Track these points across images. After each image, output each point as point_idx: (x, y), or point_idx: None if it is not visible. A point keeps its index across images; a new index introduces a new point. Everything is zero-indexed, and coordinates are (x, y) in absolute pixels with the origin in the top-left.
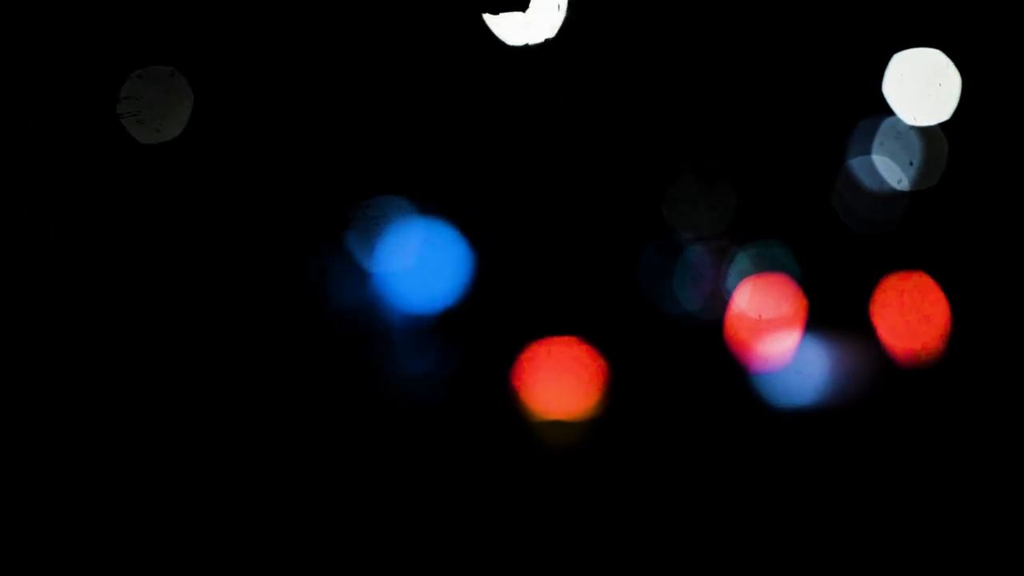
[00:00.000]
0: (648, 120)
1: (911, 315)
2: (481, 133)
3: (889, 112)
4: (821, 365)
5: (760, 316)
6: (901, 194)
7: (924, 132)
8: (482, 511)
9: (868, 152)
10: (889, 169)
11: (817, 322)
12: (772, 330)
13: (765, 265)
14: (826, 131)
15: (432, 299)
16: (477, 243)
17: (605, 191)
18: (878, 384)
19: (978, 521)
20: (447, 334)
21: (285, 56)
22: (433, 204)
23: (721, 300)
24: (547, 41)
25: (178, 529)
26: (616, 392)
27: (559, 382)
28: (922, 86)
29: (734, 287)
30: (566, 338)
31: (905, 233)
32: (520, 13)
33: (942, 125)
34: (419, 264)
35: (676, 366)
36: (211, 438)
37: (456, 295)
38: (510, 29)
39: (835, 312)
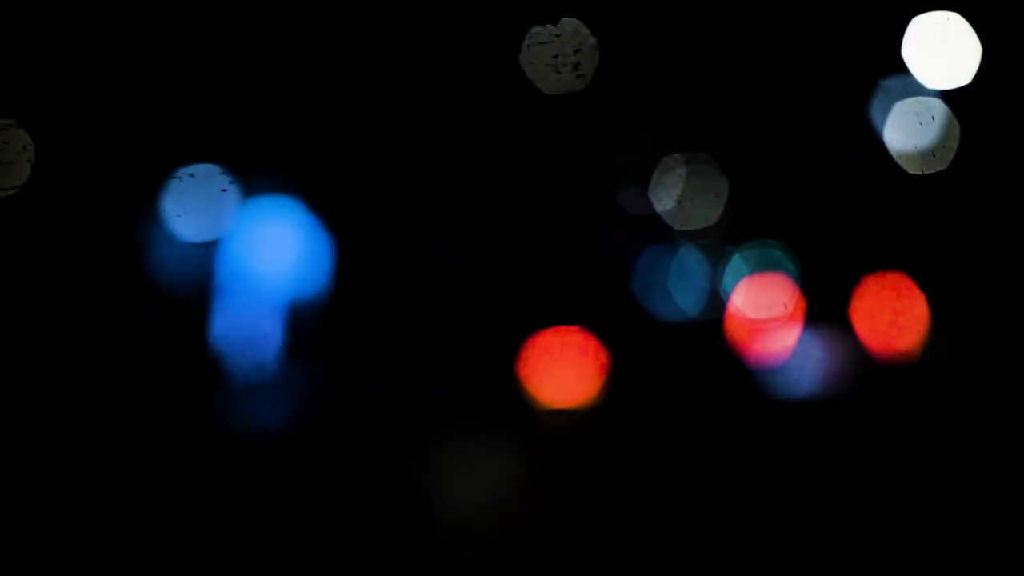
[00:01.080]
0: (644, 104)
1: (891, 314)
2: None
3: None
4: (816, 361)
5: (757, 314)
6: (907, 180)
7: (938, 113)
8: (483, 504)
9: (879, 132)
10: (899, 147)
11: (814, 319)
12: (769, 328)
13: (762, 265)
14: (833, 116)
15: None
16: (475, 238)
17: (602, 185)
18: (868, 379)
19: (963, 512)
20: (449, 327)
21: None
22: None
23: (719, 298)
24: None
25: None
26: (613, 383)
27: (560, 372)
28: (940, 49)
29: (732, 286)
30: (567, 328)
31: (907, 226)
32: None
33: (955, 107)
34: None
35: (671, 361)
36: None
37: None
38: None
39: (830, 309)
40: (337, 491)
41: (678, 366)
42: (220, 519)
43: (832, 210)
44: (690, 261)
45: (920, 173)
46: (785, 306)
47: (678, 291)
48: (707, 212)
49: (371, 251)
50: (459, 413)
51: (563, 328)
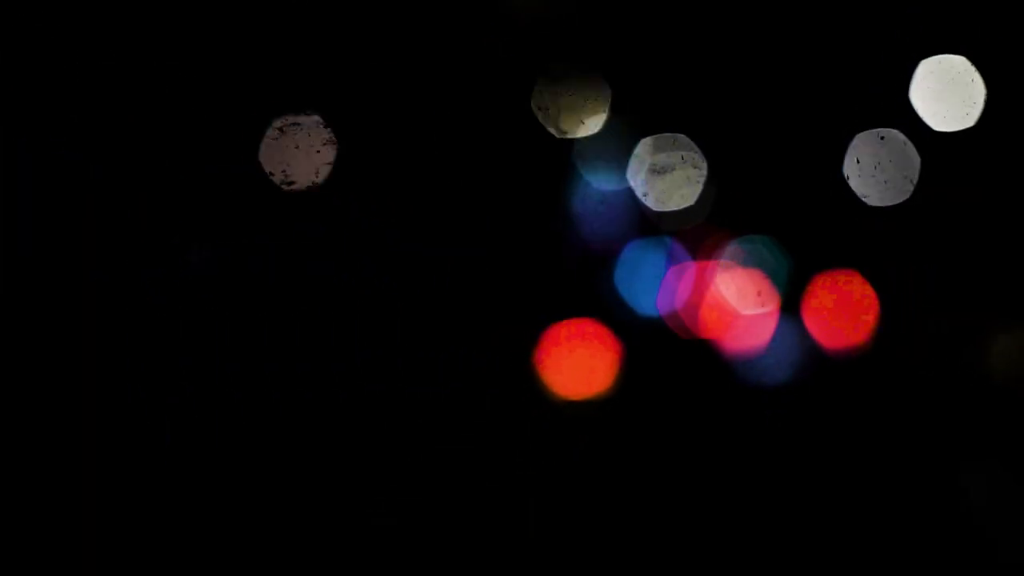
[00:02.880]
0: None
1: (844, 311)
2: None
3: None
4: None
5: (738, 307)
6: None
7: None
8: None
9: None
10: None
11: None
12: (748, 320)
13: (747, 259)
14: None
15: None
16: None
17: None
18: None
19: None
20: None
21: None
22: None
23: (700, 291)
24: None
25: None
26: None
27: (571, 365)
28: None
29: (715, 279)
30: (573, 322)
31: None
32: None
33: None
34: None
35: (656, 355)
36: None
37: None
38: None
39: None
40: (336, 491)
41: (661, 360)
42: (217, 520)
43: (822, 198)
44: (674, 253)
45: (949, 131)
46: (767, 298)
47: (659, 284)
48: (687, 196)
49: (370, 250)
50: (458, 413)
51: (569, 321)
